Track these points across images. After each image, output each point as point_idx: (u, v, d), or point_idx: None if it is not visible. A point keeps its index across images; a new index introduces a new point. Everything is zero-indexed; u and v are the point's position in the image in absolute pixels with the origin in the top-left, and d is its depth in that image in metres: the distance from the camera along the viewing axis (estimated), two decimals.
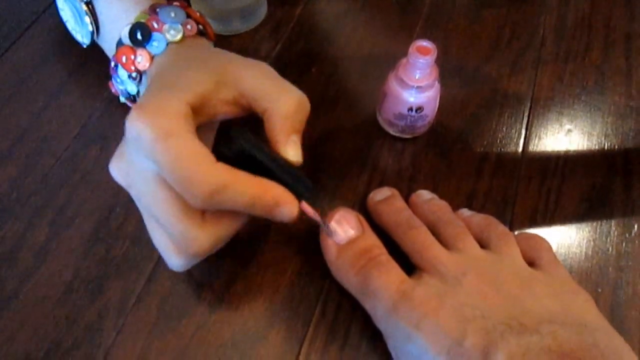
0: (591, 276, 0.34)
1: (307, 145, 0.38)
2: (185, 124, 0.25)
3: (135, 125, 0.25)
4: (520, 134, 0.40)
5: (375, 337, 0.31)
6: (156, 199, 0.26)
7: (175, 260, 0.28)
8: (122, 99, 0.35)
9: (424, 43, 0.33)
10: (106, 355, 0.30)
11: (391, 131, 0.38)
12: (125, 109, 0.39)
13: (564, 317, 0.27)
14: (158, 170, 0.26)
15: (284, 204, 0.27)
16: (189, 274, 0.33)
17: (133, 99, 0.35)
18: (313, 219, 0.30)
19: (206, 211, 0.27)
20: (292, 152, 0.29)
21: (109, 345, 0.31)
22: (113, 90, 0.35)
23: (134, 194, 0.28)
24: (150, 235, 0.29)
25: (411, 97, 0.35)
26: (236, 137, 0.27)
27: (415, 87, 0.34)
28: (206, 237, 0.27)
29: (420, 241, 0.31)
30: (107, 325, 0.31)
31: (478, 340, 0.26)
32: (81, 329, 0.31)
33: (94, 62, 0.42)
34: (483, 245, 0.32)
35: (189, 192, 0.25)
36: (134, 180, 0.27)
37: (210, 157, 0.25)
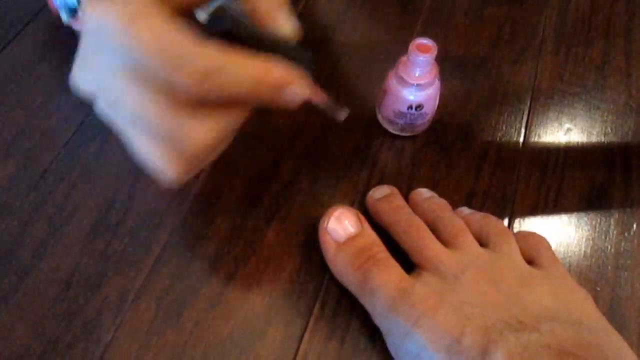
0: (590, 274, 0.34)
1: (307, 143, 0.38)
2: (154, 5, 0.21)
3: (94, 15, 0.20)
4: (520, 132, 0.40)
5: (374, 335, 0.31)
6: (137, 97, 0.21)
7: (171, 169, 0.23)
8: (65, 18, 0.29)
9: (424, 41, 0.33)
10: (105, 351, 0.30)
11: (391, 129, 0.38)
12: None
13: (562, 315, 0.27)
14: (131, 62, 0.21)
15: (293, 82, 0.23)
16: (187, 270, 0.33)
17: (75, 13, 0.29)
18: (321, 103, 0.26)
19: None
20: (286, 23, 0.24)
21: (108, 342, 0.31)
22: (52, 8, 0.29)
23: (105, 102, 0.23)
24: (135, 150, 0.24)
25: (411, 95, 0.35)
26: (215, 17, 0.22)
27: (415, 85, 0.34)
28: (204, 127, 0.22)
29: (419, 239, 0.31)
30: (105, 322, 0.31)
31: (477, 338, 0.26)
32: (80, 325, 0.31)
33: None
34: (482, 243, 0.32)
35: (177, 77, 0.20)
36: (104, 83, 0.22)
37: (197, 37, 0.21)
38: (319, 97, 0.25)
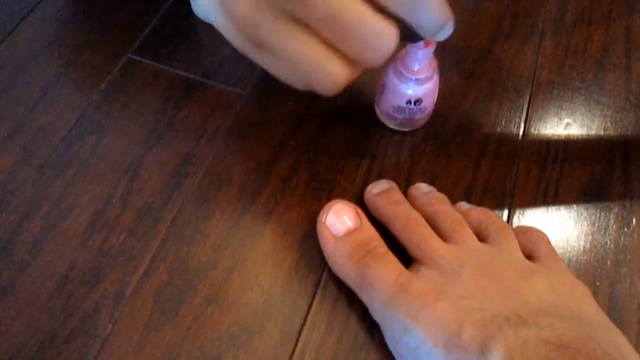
0: (589, 269, 0.34)
1: (306, 137, 0.38)
2: None
3: None
4: (519, 127, 0.40)
5: (372, 329, 0.31)
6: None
7: (341, 72, 0.25)
8: None
9: None
10: (102, 346, 0.30)
11: (390, 124, 0.38)
12: (122, 101, 0.39)
13: (561, 310, 0.27)
14: None
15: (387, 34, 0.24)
16: (185, 265, 0.33)
17: None
18: None
19: None
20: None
21: (105, 337, 0.30)
22: None
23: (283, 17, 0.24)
24: (301, 61, 0.25)
25: (410, 90, 0.35)
26: None
27: (413, 79, 0.34)
28: (395, 31, 0.24)
29: (418, 233, 0.31)
30: (103, 317, 0.31)
31: (476, 332, 0.26)
32: (77, 321, 0.31)
33: (90, 53, 0.42)
34: (481, 238, 0.32)
35: None
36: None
37: None
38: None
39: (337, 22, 0.23)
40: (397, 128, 0.38)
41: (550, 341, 0.25)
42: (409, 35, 0.26)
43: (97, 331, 0.31)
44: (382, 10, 0.24)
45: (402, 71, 0.34)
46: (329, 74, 0.25)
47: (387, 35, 0.24)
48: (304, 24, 0.24)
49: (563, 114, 0.41)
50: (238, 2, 0.24)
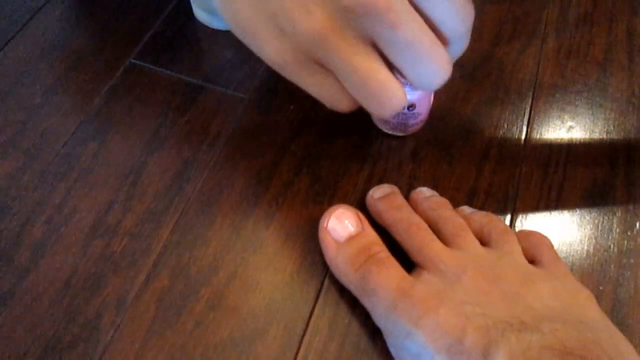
0: (592, 274, 0.34)
1: (307, 142, 0.38)
2: None
3: None
4: (521, 130, 0.40)
5: (375, 335, 0.30)
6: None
7: (402, 93, 0.27)
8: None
9: None
10: (104, 352, 0.30)
11: (383, 128, 0.38)
12: (124, 106, 0.39)
13: (565, 315, 0.27)
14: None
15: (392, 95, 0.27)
16: (187, 270, 0.33)
17: None
18: None
19: None
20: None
21: (107, 343, 0.30)
22: None
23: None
24: (369, 82, 0.26)
25: None
26: None
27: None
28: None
29: (420, 238, 0.31)
30: (105, 322, 0.31)
31: (478, 338, 0.25)
32: (79, 326, 0.31)
33: (92, 58, 0.42)
34: (484, 242, 0.32)
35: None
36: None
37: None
38: None
39: (413, 48, 0.25)
40: (390, 132, 0.38)
41: (553, 347, 0.25)
42: None
43: (99, 337, 0.31)
44: None
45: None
46: (393, 95, 0.26)
47: (447, 64, 0.26)
48: (372, 43, 0.25)
49: (566, 117, 0.40)
50: (311, 15, 0.24)
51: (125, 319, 0.31)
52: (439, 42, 0.26)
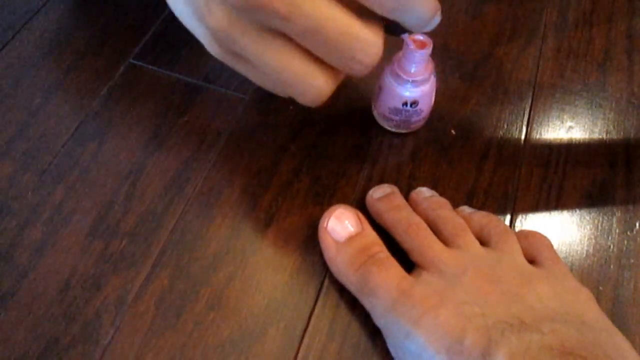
0: (592, 274, 0.34)
1: (306, 141, 0.38)
2: None
3: None
4: (521, 130, 0.40)
5: (375, 335, 0.30)
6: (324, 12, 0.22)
7: (324, 84, 0.25)
8: None
9: (420, 36, 0.33)
10: (104, 352, 0.30)
11: (386, 126, 0.38)
12: (123, 106, 0.39)
13: (565, 315, 0.27)
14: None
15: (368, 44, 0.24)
16: (187, 270, 0.33)
17: None
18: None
19: None
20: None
21: (107, 343, 0.30)
22: None
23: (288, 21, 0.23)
24: (282, 74, 0.25)
25: (406, 92, 0.35)
26: None
27: (410, 81, 0.34)
28: (381, 39, 0.24)
29: (419, 238, 0.31)
30: (104, 323, 0.31)
31: (478, 338, 0.25)
32: (78, 327, 0.31)
33: (92, 58, 0.42)
34: (483, 242, 0.32)
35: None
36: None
37: None
38: None
39: (320, 35, 0.23)
40: (393, 130, 0.38)
41: (553, 347, 0.25)
42: (394, 28, 0.25)
43: (99, 337, 0.30)
44: (366, 11, 0.23)
45: (399, 73, 0.34)
46: (312, 86, 0.25)
47: (373, 44, 0.24)
48: (283, 36, 0.24)
49: (565, 118, 0.40)
50: (212, 14, 0.23)
51: (125, 320, 0.31)
52: (352, 23, 0.23)
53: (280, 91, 0.27)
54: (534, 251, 0.31)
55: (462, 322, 0.26)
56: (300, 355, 0.30)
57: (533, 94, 0.41)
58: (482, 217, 0.33)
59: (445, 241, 0.31)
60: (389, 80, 0.35)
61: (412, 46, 0.32)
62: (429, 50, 0.33)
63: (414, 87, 0.34)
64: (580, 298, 0.29)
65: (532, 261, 0.31)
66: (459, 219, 0.32)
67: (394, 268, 0.29)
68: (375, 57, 0.24)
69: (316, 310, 0.32)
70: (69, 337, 0.30)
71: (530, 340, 0.25)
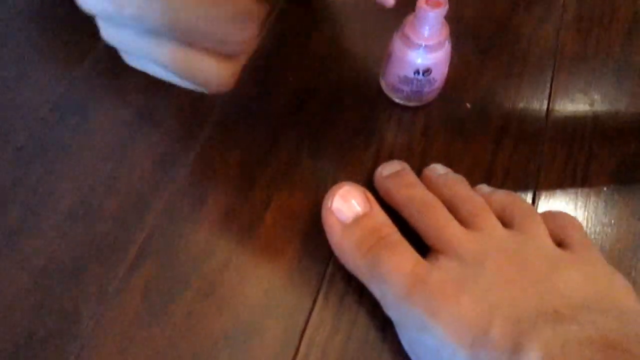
0: (624, 259, 0.31)
1: (307, 116, 0.35)
2: None
3: None
4: (542, 104, 0.36)
5: (385, 327, 0.28)
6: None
7: (224, 71, 0.24)
8: None
9: None
10: (82, 347, 0.27)
11: (395, 98, 0.35)
12: (107, 78, 0.36)
13: (602, 304, 0.24)
14: None
15: None
16: (176, 257, 0.30)
17: None
18: None
19: None
20: None
21: (87, 337, 0.27)
22: None
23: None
24: (184, 64, 0.24)
25: (418, 58, 0.31)
26: None
27: (423, 45, 0.31)
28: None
29: (435, 219, 0.28)
30: (84, 314, 0.28)
31: (507, 330, 0.22)
32: (55, 319, 0.28)
33: (72, 28, 0.39)
34: (506, 224, 0.28)
35: None
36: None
37: None
38: None
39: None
40: (403, 102, 0.35)
41: (594, 340, 0.21)
42: None
43: (78, 330, 0.28)
44: None
45: (410, 36, 0.31)
46: (207, 74, 0.24)
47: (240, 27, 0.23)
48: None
49: (590, 90, 0.37)
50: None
51: (107, 311, 0.28)
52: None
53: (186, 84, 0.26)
54: (562, 233, 0.28)
55: (487, 312, 0.23)
56: (301, 350, 0.27)
57: (554, 66, 0.38)
58: (503, 196, 0.30)
59: (463, 222, 0.28)
60: (398, 46, 0.32)
61: (425, 5, 0.29)
62: (444, 10, 0.30)
63: (427, 52, 0.31)
64: (616, 285, 0.26)
65: (560, 244, 0.28)
66: (479, 198, 0.29)
67: (408, 252, 0.26)
68: (250, 33, 0.24)
69: (319, 300, 0.29)
70: (44, 331, 0.28)
71: (568, 333, 0.22)
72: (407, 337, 0.26)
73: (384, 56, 0.34)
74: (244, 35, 0.23)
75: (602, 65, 0.38)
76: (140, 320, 0.28)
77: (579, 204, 0.33)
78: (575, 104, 0.37)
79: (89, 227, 0.31)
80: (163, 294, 0.29)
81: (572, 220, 0.29)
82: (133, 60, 0.25)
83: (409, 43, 0.31)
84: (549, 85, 0.37)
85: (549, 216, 0.29)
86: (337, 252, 0.28)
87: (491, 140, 0.35)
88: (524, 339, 0.22)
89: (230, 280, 0.29)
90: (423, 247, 0.28)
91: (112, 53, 0.37)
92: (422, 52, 0.31)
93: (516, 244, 0.27)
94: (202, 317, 0.28)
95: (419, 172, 0.32)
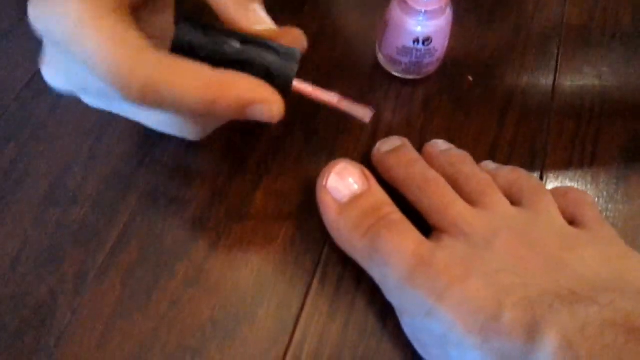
0: (637, 236, 0.29)
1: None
2: (98, 8, 0.19)
3: (39, 20, 0.20)
4: (548, 77, 0.34)
5: (384, 314, 0.26)
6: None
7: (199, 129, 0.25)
8: None
9: None
10: (59, 338, 0.25)
11: (393, 71, 0.33)
12: None
13: (619, 283, 0.23)
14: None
15: (258, 101, 0.21)
16: (160, 241, 0.28)
17: None
18: (318, 100, 0.24)
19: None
20: (257, 20, 0.22)
21: (63, 328, 0.25)
22: None
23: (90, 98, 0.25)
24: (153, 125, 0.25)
25: (418, 26, 0.29)
26: (180, 28, 0.21)
27: (422, 12, 0.29)
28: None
29: (438, 197, 0.26)
30: (60, 305, 0.26)
31: (520, 313, 0.21)
32: (29, 310, 0.26)
33: None
34: (513, 201, 0.27)
35: (119, 90, 0.20)
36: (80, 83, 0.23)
37: (140, 42, 0.20)
38: (326, 99, 0.24)
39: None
40: (401, 75, 0.33)
41: (616, 322, 0.20)
42: None
43: (54, 321, 0.26)
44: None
45: (409, 2, 0.29)
46: (182, 131, 0.25)
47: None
48: None
49: (598, 62, 0.35)
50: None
51: (86, 300, 0.26)
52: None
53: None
54: (574, 210, 0.26)
55: (498, 295, 0.21)
56: (295, 338, 0.26)
57: (560, 37, 0.36)
58: (510, 172, 0.28)
59: (468, 200, 0.26)
60: (397, 13, 0.30)
61: None
62: None
63: (427, 20, 0.29)
64: (632, 263, 0.24)
65: (571, 222, 0.26)
66: (484, 174, 0.27)
67: (410, 231, 0.24)
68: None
69: (314, 286, 0.27)
70: (18, 322, 0.26)
71: (587, 315, 0.20)
72: (410, 324, 0.24)
73: (381, 26, 0.32)
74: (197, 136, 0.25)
75: (610, 37, 0.37)
76: (121, 310, 0.26)
77: (589, 179, 0.31)
78: (582, 77, 0.35)
79: (65, 211, 0.29)
80: (146, 280, 0.27)
81: (584, 196, 0.27)
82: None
83: (407, 10, 0.29)
84: (555, 57, 0.35)
85: (559, 192, 0.27)
86: (333, 233, 0.26)
87: (495, 115, 0.33)
88: (540, 323, 0.20)
89: (219, 265, 0.27)
90: (424, 228, 0.26)
91: None
92: (422, 19, 0.29)
93: (526, 222, 0.25)
94: (188, 305, 0.26)
95: (419, 148, 0.30)
